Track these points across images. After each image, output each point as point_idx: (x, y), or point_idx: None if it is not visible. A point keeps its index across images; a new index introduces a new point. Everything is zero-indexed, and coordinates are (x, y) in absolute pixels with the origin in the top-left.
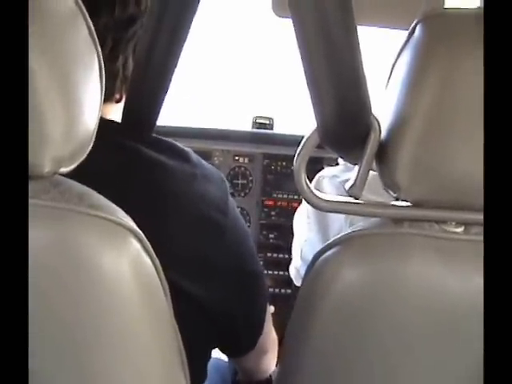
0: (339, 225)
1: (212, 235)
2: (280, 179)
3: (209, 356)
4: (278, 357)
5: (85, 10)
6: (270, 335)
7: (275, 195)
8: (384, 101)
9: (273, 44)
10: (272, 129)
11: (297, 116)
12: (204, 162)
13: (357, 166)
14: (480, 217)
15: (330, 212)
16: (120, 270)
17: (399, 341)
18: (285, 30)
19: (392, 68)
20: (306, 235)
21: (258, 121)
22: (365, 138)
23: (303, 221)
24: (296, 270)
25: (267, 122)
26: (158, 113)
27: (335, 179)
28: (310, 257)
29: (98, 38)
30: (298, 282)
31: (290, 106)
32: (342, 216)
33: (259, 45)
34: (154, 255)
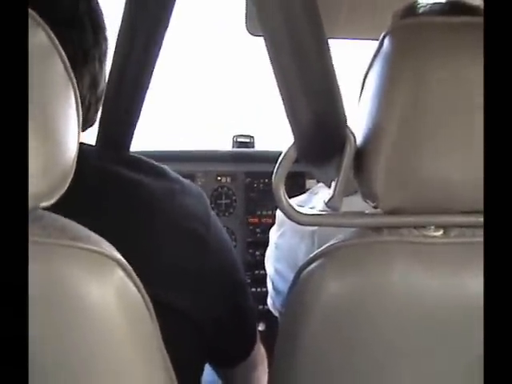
0: (306, 249)
1: (196, 247)
2: (263, 196)
3: (202, 369)
4: (269, 375)
5: (59, 45)
6: (259, 350)
7: (259, 212)
8: (358, 113)
9: (248, 61)
10: (253, 147)
11: (278, 132)
12: (181, 177)
13: (333, 182)
14: (458, 219)
15: (311, 226)
16: (106, 299)
17: (388, 349)
18: (260, 47)
19: (364, 80)
20: (275, 266)
21: (238, 140)
22: (341, 150)
23: (271, 253)
24: (272, 300)
25: (248, 140)
26: (133, 132)
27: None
28: (281, 286)
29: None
30: (275, 313)
31: (270, 122)
32: (308, 240)
33: (234, 62)
34: (139, 282)
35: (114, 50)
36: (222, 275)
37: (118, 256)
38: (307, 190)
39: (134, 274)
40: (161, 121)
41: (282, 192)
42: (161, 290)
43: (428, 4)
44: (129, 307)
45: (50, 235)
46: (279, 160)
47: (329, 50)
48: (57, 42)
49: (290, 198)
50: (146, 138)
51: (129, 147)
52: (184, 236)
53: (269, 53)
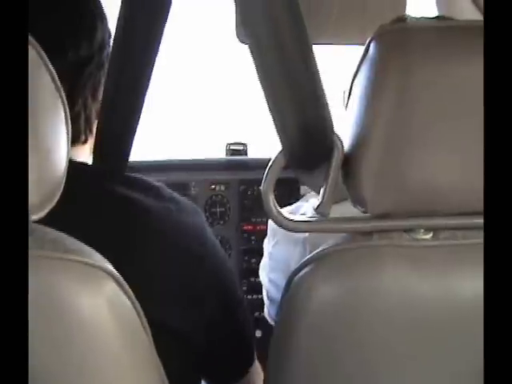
0: (298, 257)
1: (192, 265)
2: (257, 204)
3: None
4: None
5: (46, 58)
6: (257, 368)
7: (254, 220)
8: (345, 118)
9: (241, 69)
10: (246, 154)
11: (270, 139)
12: (176, 195)
13: (322, 188)
14: (447, 221)
15: (301, 232)
16: (98, 311)
17: (380, 353)
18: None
19: (351, 85)
20: (269, 276)
21: (231, 147)
22: (329, 156)
23: (265, 263)
24: (267, 310)
25: (241, 147)
26: (130, 150)
27: None
28: (275, 296)
29: None
30: (271, 322)
31: (263, 129)
32: (300, 248)
33: (226, 70)
34: (133, 295)
35: (109, 60)
36: (218, 293)
37: (110, 268)
38: (302, 196)
39: (126, 286)
40: (154, 130)
41: (271, 199)
42: (155, 308)
43: (416, 18)
44: (121, 318)
45: (42, 248)
46: (268, 167)
47: (314, 56)
48: (45, 56)
49: (285, 203)
50: (138, 148)
51: (126, 165)
52: (181, 254)
53: (254, 60)
